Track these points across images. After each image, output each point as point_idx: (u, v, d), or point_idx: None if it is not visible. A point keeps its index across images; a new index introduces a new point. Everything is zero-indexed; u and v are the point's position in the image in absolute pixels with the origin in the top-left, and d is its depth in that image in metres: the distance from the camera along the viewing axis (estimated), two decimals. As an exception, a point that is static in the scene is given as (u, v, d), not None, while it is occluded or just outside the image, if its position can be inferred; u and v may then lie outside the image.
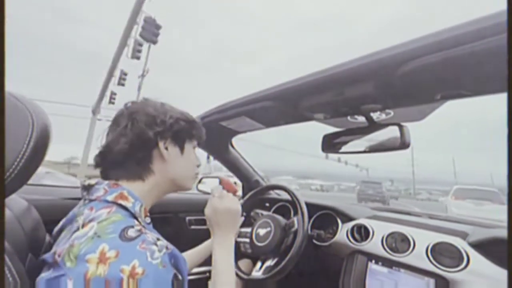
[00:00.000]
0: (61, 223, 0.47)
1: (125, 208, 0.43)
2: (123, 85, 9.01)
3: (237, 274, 0.81)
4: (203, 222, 1.24)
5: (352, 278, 0.79)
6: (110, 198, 0.43)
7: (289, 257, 0.74)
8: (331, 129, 0.84)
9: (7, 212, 0.45)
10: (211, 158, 1.26)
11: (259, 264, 0.82)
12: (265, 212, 1.01)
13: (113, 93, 9.78)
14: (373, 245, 0.81)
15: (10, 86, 0.35)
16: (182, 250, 0.42)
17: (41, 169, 0.38)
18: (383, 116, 0.74)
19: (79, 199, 0.48)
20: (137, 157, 0.49)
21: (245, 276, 0.80)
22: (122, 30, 7.15)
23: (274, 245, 0.79)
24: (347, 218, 0.96)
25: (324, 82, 0.59)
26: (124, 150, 0.47)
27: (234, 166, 1.30)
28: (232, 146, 1.25)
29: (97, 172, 0.52)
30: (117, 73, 8.84)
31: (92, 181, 0.47)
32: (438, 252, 0.70)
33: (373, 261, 0.79)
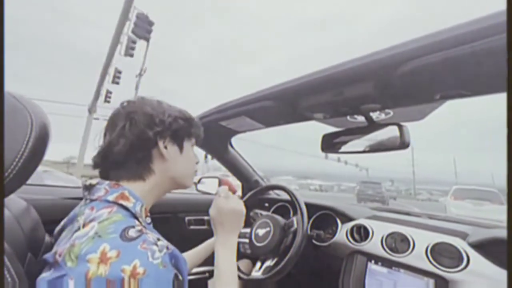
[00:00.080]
0: (62, 222, 0.47)
1: (125, 208, 0.43)
2: (117, 83, 8.90)
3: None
4: (202, 222, 1.24)
5: (351, 278, 0.79)
6: (111, 198, 0.43)
7: (289, 257, 0.74)
8: (331, 129, 0.84)
9: (6, 212, 0.45)
10: (209, 157, 1.26)
11: (258, 264, 0.82)
12: (264, 212, 1.01)
13: (108, 92, 9.67)
14: (373, 245, 0.81)
15: (10, 86, 0.35)
16: (182, 250, 0.42)
17: (39, 168, 0.38)
18: (383, 116, 0.74)
19: (78, 199, 0.48)
20: (137, 157, 0.48)
21: (245, 276, 0.79)
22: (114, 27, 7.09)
23: (274, 245, 0.79)
24: (346, 219, 0.96)
25: (323, 82, 0.59)
26: (124, 151, 0.47)
27: (233, 166, 1.30)
28: (232, 146, 1.25)
29: (93, 171, 0.51)
30: (111, 71, 8.72)
31: (93, 181, 0.47)
32: (438, 252, 0.70)
33: (373, 261, 0.79)
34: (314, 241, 0.95)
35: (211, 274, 0.54)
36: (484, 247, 0.66)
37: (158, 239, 0.39)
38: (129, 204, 0.44)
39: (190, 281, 0.42)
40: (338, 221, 0.96)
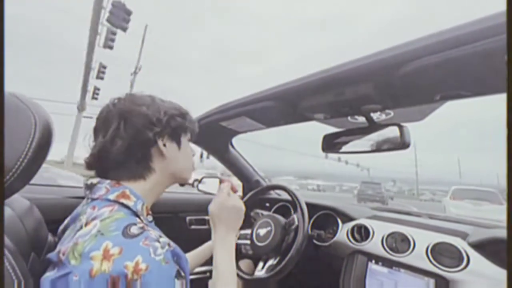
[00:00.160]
0: (65, 221, 0.48)
1: (127, 206, 0.44)
2: (102, 78, 8.54)
3: (239, 275, 0.81)
4: (203, 222, 1.24)
5: (352, 278, 0.79)
6: (111, 197, 0.44)
7: (290, 255, 0.74)
8: (331, 129, 0.84)
9: (10, 212, 0.45)
10: (204, 156, 1.26)
11: (261, 263, 0.82)
12: (265, 212, 1.01)
13: (96, 88, 9.29)
14: (373, 245, 0.81)
15: (9, 86, 0.35)
16: (183, 250, 0.42)
17: None
18: (383, 116, 0.74)
19: (80, 198, 0.49)
20: (136, 157, 0.48)
21: (247, 277, 0.80)
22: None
23: (275, 244, 0.79)
24: (347, 218, 0.96)
25: (324, 82, 0.59)
26: (122, 151, 0.46)
27: (234, 166, 1.30)
28: (233, 146, 1.25)
29: (86, 171, 0.50)
30: (96, 66, 8.30)
31: (94, 180, 0.47)
32: (438, 252, 0.70)
33: (373, 261, 0.79)
34: (315, 241, 0.95)
35: (211, 274, 0.54)
36: (484, 247, 0.66)
37: (160, 236, 0.39)
38: (130, 203, 0.44)
39: (190, 280, 0.42)
40: (339, 221, 0.96)
